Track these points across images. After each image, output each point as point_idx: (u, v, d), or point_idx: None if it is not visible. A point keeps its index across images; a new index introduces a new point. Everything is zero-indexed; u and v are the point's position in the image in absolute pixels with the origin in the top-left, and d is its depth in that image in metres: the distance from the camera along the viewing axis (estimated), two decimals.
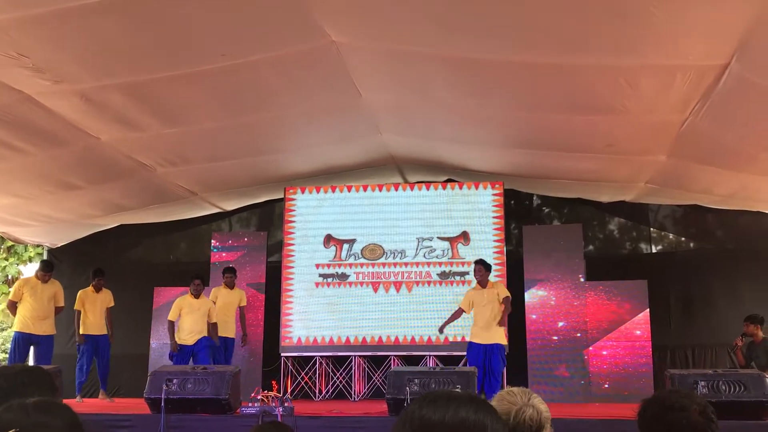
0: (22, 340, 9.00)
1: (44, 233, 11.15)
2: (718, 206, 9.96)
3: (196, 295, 9.19)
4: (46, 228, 10.73)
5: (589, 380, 9.51)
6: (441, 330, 8.88)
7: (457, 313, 8.67)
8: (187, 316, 9.07)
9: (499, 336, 8.27)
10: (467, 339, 8.70)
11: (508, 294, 8.51)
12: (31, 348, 9.17)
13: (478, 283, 8.55)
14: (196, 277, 9.33)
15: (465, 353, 9.59)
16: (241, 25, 5.63)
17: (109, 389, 9.82)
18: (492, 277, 8.87)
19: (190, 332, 9.00)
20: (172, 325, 9.10)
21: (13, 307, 9.15)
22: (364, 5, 5.50)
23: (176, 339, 9.01)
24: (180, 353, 8.98)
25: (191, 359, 8.89)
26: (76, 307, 9.47)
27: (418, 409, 1.40)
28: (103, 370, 9.57)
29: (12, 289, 9.50)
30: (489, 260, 9.90)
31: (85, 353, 9.45)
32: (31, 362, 9.12)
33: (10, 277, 13.44)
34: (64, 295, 9.50)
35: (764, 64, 5.40)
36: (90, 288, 9.61)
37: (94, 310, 9.49)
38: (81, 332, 9.43)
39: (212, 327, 9.16)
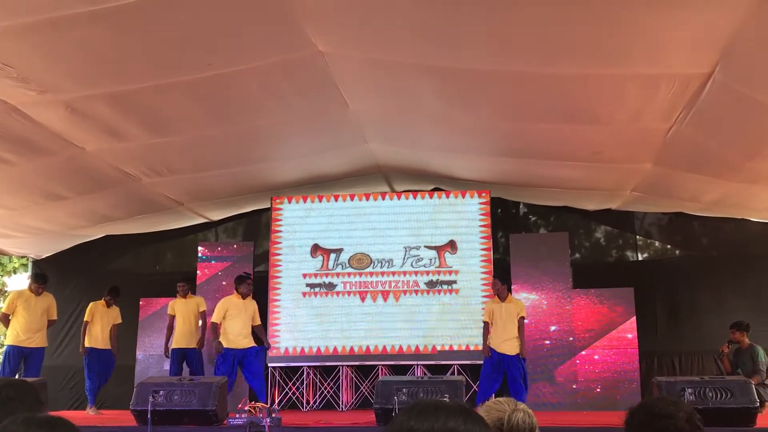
0: (14, 354, 8.94)
1: (29, 244, 11.07)
2: (703, 214, 10.04)
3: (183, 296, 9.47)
4: (32, 239, 10.65)
5: (579, 385, 9.53)
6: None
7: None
8: (234, 319, 9.02)
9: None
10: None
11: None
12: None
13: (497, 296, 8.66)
14: (182, 279, 9.55)
15: (451, 362, 9.64)
16: (227, 35, 5.62)
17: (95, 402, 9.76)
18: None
19: (238, 335, 8.95)
20: (216, 327, 9.08)
21: (5, 320, 9.09)
22: (350, 16, 5.51)
23: (223, 342, 8.93)
24: (226, 357, 8.90)
25: (236, 365, 8.88)
26: (86, 318, 9.50)
27: (406, 420, 1.40)
28: (100, 384, 9.54)
29: (5, 302, 9.42)
30: (476, 269, 9.96)
31: (92, 364, 9.43)
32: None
33: None
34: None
35: (748, 72, 5.44)
36: (102, 302, 9.63)
37: (102, 324, 9.51)
38: (86, 344, 9.43)
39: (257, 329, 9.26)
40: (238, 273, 10.09)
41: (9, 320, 9.03)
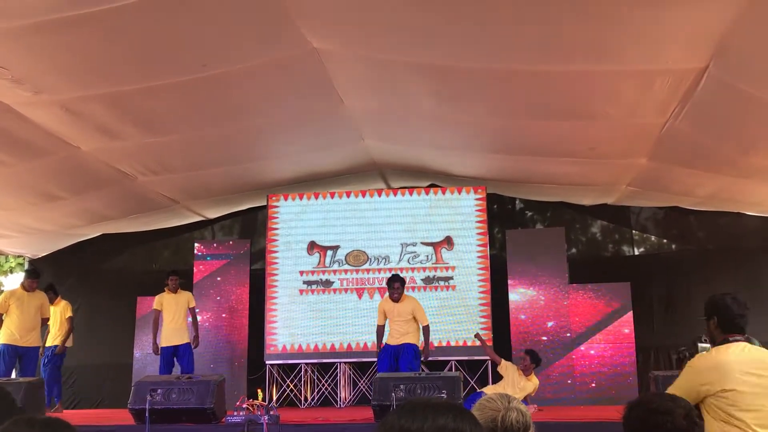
0: (8, 352, 8.84)
1: (25, 244, 11.06)
2: (698, 208, 10.06)
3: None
4: (28, 238, 10.65)
5: (575, 381, 9.55)
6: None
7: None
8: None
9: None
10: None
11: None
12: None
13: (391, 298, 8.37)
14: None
15: (449, 358, 9.64)
16: (221, 34, 5.62)
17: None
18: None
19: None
20: None
21: None
22: (344, 13, 5.51)
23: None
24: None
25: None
26: (155, 306, 9.31)
27: (397, 419, 1.41)
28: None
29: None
30: (473, 264, 9.96)
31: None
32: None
33: None
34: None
35: (741, 67, 5.46)
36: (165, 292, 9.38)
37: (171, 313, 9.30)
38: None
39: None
40: (235, 270, 10.11)
41: (2, 320, 8.90)
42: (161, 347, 9.08)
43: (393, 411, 1.45)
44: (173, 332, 9.13)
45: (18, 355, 8.92)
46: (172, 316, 9.17)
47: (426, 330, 8.19)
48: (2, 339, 8.86)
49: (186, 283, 10.23)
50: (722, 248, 10.33)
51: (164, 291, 9.31)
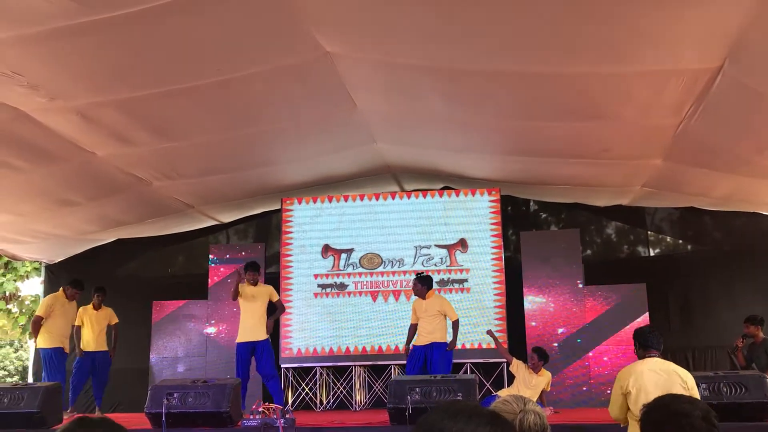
0: (84, 359, 9.17)
1: (41, 249, 11.13)
2: (714, 208, 9.99)
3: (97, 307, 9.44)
4: (44, 244, 10.72)
5: (590, 385, 9.50)
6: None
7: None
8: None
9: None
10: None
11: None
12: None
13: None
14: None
15: (464, 361, 9.61)
16: (235, 39, 5.64)
17: (108, 404, 9.77)
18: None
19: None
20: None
21: (37, 324, 9.09)
22: (357, 16, 5.52)
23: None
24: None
25: None
26: (76, 323, 9.47)
27: (438, 420, 1.42)
28: (99, 388, 9.53)
29: (40, 305, 9.36)
30: (488, 266, 9.94)
31: (83, 367, 9.42)
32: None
33: (7, 293, 13.41)
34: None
35: (756, 66, 5.42)
36: (90, 305, 9.57)
37: (92, 326, 9.47)
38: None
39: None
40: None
41: (41, 324, 9.05)
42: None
43: (435, 411, 1.46)
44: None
45: (92, 361, 9.22)
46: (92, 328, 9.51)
47: (455, 325, 8.44)
48: (47, 343, 9.05)
49: (201, 286, 10.29)
50: (739, 249, 10.26)
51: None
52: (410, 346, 8.46)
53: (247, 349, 8.44)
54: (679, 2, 4.76)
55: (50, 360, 9.01)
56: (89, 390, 9.76)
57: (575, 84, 6.18)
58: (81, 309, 9.53)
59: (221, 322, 10.56)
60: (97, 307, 9.52)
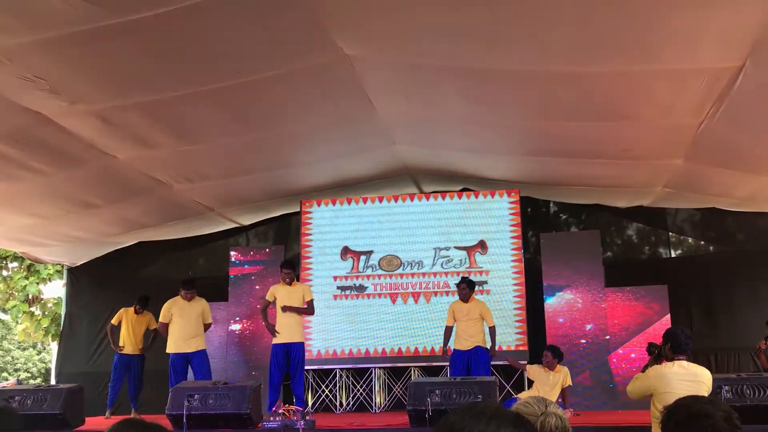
0: (178, 360, 9.02)
1: (63, 252, 11.23)
2: (736, 209, 9.89)
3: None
4: (66, 247, 10.81)
5: (612, 387, 9.43)
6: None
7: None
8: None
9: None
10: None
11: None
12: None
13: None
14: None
15: None
16: (254, 42, 5.66)
17: (127, 406, 9.85)
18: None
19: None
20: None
21: (164, 329, 9.12)
22: (376, 18, 5.52)
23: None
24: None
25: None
26: (113, 321, 9.65)
27: (460, 420, 1.42)
28: (135, 390, 9.68)
29: (161, 311, 9.22)
30: (507, 267, 9.91)
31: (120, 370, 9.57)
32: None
33: (30, 296, 13.52)
34: (82, 314, 9.53)
35: None
36: (131, 309, 9.71)
37: (132, 330, 9.62)
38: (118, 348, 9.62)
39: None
40: (270, 276, 10.14)
41: (167, 328, 9.08)
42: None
43: (458, 411, 1.45)
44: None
45: (187, 360, 9.07)
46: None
47: (492, 331, 8.56)
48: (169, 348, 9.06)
49: (221, 288, 10.33)
50: (761, 249, 10.15)
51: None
52: (449, 347, 8.56)
53: (282, 351, 8.59)
54: (702, 2, 4.72)
55: (171, 365, 9.01)
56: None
57: (596, 83, 6.15)
58: (122, 310, 9.70)
59: (241, 323, 10.59)
60: (138, 312, 9.68)
